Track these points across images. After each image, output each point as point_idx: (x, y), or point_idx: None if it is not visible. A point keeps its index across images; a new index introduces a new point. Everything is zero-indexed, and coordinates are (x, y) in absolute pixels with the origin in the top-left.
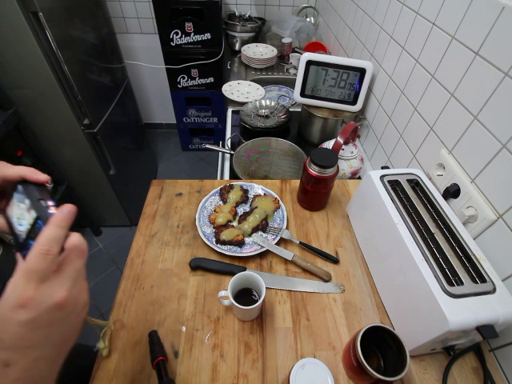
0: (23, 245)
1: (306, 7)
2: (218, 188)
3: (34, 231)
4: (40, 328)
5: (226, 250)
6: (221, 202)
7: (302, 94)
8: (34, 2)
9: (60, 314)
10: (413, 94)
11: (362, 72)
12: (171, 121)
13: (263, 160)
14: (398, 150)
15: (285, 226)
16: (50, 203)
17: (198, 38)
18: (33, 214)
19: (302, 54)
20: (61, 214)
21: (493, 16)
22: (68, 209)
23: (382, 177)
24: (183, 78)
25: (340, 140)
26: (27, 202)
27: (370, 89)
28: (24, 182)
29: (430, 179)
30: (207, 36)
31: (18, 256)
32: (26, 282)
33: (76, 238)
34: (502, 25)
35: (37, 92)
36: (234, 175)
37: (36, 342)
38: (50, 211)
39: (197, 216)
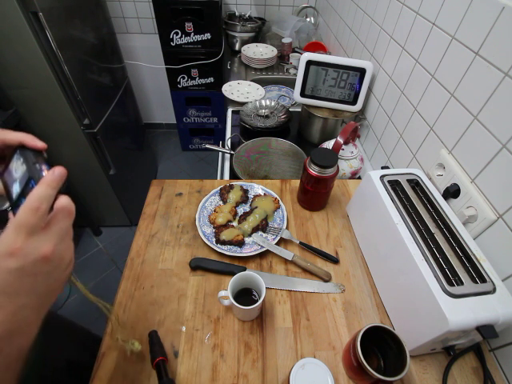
0: (16, 203)
1: (306, 7)
2: (218, 188)
3: (26, 191)
4: (27, 277)
5: (226, 250)
6: (221, 202)
7: (302, 94)
8: (33, 2)
9: (46, 266)
10: (413, 94)
11: (362, 72)
12: (171, 121)
13: (263, 160)
14: (398, 150)
15: (285, 226)
16: (44, 167)
17: (198, 38)
18: (27, 176)
19: (301, 54)
20: (52, 175)
21: (493, 16)
22: (59, 171)
23: (382, 177)
24: (183, 78)
25: (340, 140)
26: (24, 164)
27: (370, 89)
28: (22, 147)
29: (430, 179)
30: (207, 36)
31: (10, 214)
32: (15, 233)
33: (64, 200)
34: (502, 25)
35: (37, 92)
36: (234, 175)
37: (23, 289)
38: (43, 173)
39: (197, 216)
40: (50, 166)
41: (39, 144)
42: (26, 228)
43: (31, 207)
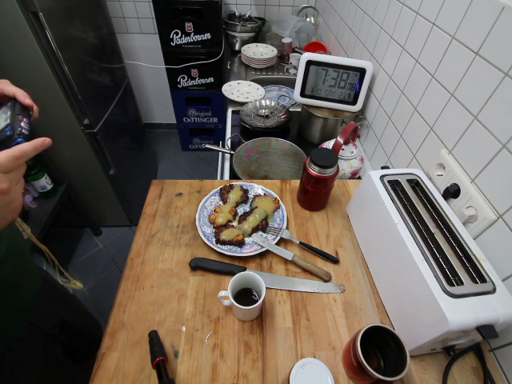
0: None
1: (306, 7)
2: (218, 188)
3: (1, 133)
4: None
5: (225, 250)
6: (221, 202)
7: (302, 94)
8: (33, 2)
9: (0, 199)
10: (413, 94)
11: (362, 72)
12: (171, 121)
13: (263, 160)
14: (398, 150)
15: (285, 226)
16: (25, 120)
17: (198, 38)
18: (7, 122)
19: (301, 54)
20: (42, 142)
21: (493, 16)
22: (48, 142)
23: (382, 177)
24: (183, 77)
25: (340, 140)
26: (9, 113)
27: (370, 89)
28: (15, 99)
29: (430, 179)
30: (207, 36)
31: None
32: None
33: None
34: (502, 25)
35: (37, 92)
36: (234, 175)
37: None
38: (21, 124)
39: (197, 216)
40: (30, 119)
41: (27, 101)
42: (2, 168)
43: (14, 155)
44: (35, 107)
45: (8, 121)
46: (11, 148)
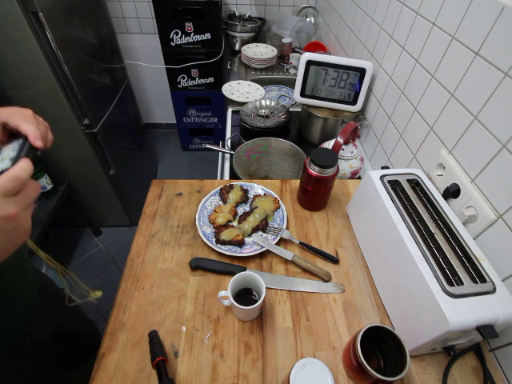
0: None
1: (306, 7)
2: (218, 188)
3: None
4: None
5: (225, 249)
6: (221, 202)
7: (302, 94)
8: (33, 2)
9: (7, 225)
10: (413, 94)
11: (361, 72)
12: (171, 121)
13: (263, 160)
14: (398, 150)
15: (285, 226)
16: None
17: (198, 38)
18: (9, 164)
19: (302, 54)
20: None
21: (493, 16)
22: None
23: (382, 177)
24: (183, 77)
25: (340, 140)
26: (16, 151)
27: (370, 89)
28: (26, 138)
29: (430, 179)
30: (207, 36)
31: None
32: None
33: (33, 181)
34: (502, 25)
35: (37, 92)
36: (234, 175)
37: None
38: None
39: (197, 216)
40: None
41: (37, 144)
42: (3, 190)
43: (14, 175)
44: (50, 136)
45: (10, 163)
46: (9, 170)
